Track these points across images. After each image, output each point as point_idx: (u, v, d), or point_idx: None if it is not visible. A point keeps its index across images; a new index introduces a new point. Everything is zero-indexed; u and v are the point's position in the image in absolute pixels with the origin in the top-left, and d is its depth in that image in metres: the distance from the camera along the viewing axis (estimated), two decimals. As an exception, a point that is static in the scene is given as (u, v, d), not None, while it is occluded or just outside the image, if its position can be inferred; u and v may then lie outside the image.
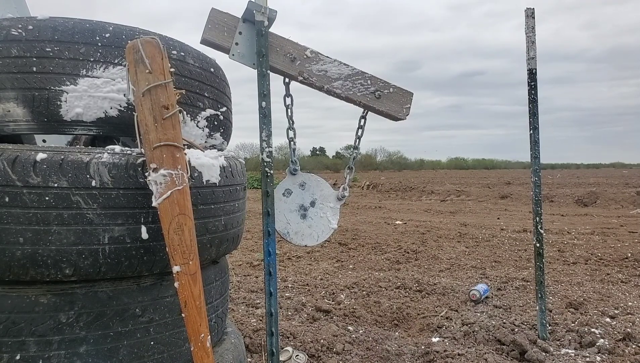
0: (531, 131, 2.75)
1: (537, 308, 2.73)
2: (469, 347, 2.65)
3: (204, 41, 1.76)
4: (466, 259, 5.16)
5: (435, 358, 2.50)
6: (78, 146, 1.76)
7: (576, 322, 2.94)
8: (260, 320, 2.97)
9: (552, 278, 4.22)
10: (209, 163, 1.45)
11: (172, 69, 1.34)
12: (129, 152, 1.31)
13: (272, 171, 1.77)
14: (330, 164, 52.75)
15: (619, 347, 2.58)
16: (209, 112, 1.65)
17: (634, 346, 2.62)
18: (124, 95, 1.43)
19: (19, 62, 1.36)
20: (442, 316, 3.22)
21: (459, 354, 2.52)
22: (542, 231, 2.75)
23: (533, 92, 2.74)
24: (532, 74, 2.72)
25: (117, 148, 1.32)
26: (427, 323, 3.10)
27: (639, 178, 21.97)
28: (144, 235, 1.29)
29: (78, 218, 1.21)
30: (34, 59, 1.36)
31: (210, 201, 1.46)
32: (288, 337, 2.67)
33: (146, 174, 1.26)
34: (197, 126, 1.62)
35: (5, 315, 1.21)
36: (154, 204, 1.24)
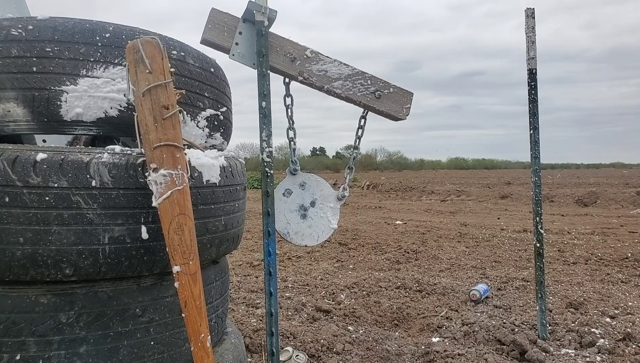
0: (531, 131, 2.75)
1: (537, 308, 2.73)
2: (469, 347, 2.65)
3: (204, 41, 1.76)
4: (466, 259, 5.16)
5: (435, 358, 2.50)
6: (78, 146, 1.76)
7: (576, 322, 2.94)
8: (260, 320, 2.97)
9: (552, 278, 4.22)
10: (209, 163, 1.45)
11: (172, 69, 1.34)
12: (129, 152, 1.31)
13: (272, 171, 1.77)
14: (330, 164, 52.75)
15: (619, 347, 2.58)
16: (209, 112, 1.65)
17: (634, 346, 2.62)
18: (124, 95, 1.43)
19: (19, 62, 1.36)
20: (442, 316, 3.22)
21: (459, 354, 2.52)
22: (542, 231, 2.75)
23: (533, 92, 2.74)
24: (532, 74, 2.72)
25: (117, 148, 1.32)
26: (427, 323, 3.10)
27: (639, 178, 21.97)
28: (144, 235, 1.29)
29: (78, 218, 1.21)
30: (34, 59, 1.36)
31: (210, 201, 1.46)
32: (288, 337, 2.67)
33: (146, 174, 1.26)
34: (197, 126, 1.62)
35: (5, 315, 1.21)
36: (154, 204, 1.24)
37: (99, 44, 1.41)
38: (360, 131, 1.97)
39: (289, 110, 1.89)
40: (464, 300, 3.53)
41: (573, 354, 2.51)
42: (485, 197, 14.47)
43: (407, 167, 65.58)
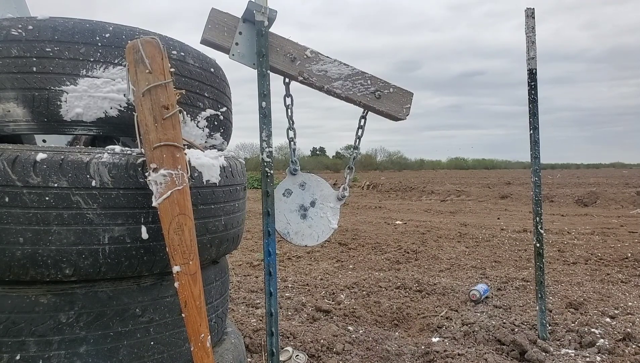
0: (531, 131, 2.75)
1: (537, 308, 2.73)
2: (469, 347, 2.65)
3: (204, 41, 1.76)
4: (466, 259, 5.16)
5: (435, 358, 2.50)
6: (78, 146, 1.76)
7: (576, 322, 2.94)
8: (260, 320, 2.97)
9: (552, 278, 4.22)
10: (209, 163, 1.45)
11: (172, 69, 1.34)
12: (129, 152, 1.31)
13: (272, 171, 1.77)
14: (330, 164, 52.75)
15: (619, 347, 2.58)
16: (209, 112, 1.65)
17: (634, 346, 2.62)
18: (124, 95, 1.43)
19: (19, 62, 1.36)
20: (442, 316, 3.22)
21: (459, 354, 2.52)
22: (542, 231, 2.75)
23: (533, 92, 2.74)
24: (532, 74, 2.72)
25: (117, 148, 1.32)
26: (427, 323, 3.10)
27: (639, 178, 21.97)
28: (144, 235, 1.29)
29: (78, 218, 1.21)
30: (34, 59, 1.36)
31: (210, 201, 1.46)
32: (288, 337, 2.67)
33: (146, 174, 1.26)
34: (197, 126, 1.62)
35: (5, 315, 1.21)
36: (154, 204, 1.24)
37: (99, 44, 1.41)
38: (360, 131, 1.97)
39: (289, 110, 1.89)
40: (464, 300, 3.53)
41: (573, 354, 2.51)
42: (485, 197, 14.47)
43: (407, 167, 65.58)
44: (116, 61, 1.43)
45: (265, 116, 1.75)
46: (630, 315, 3.12)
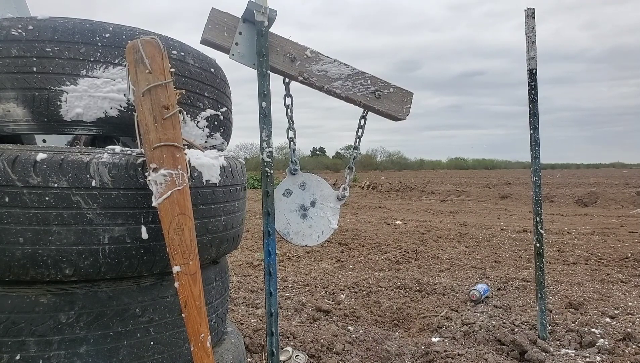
0: (531, 131, 2.75)
1: (537, 308, 2.73)
2: (469, 347, 2.65)
3: (204, 41, 1.76)
4: (466, 259, 5.16)
5: (435, 358, 2.50)
6: (78, 146, 1.76)
7: (576, 322, 2.94)
8: (260, 320, 2.97)
9: (552, 278, 4.22)
10: (209, 163, 1.45)
11: (172, 69, 1.34)
12: (129, 152, 1.31)
13: (272, 171, 1.77)
14: (330, 164, 52.76)
15: (619, 347, 2.58)
16: (209, 112, 1.65)
17: (634, 346, 2.62)
18: (124, 95, 1.43)
19: (19, 62, 1.36)
20: (442, 316, 3.22)
21: (459, 354, 2.52)
22: (542, 231, 2.75)
23: (533, 92, 2.74)
24: (532, 74, 2.72)
25: (117, 148, 1.32)
26: (427, 323, 3.10)
27: (639, 178, 21.97)
28: (144, 235, 1.29)
29: (78, 218, 1.21)
30: (34, 59, 1.36)
31: (210, 201, 1.46)
32: (288, 337, 2.67)
33: (146, 174, 1.26)
34: (197, 126, 1.62)
35: (5, 315, 1.21)
36: (154, 204, 1.24)
37: (99, 44, 1.41)
38: (360, 131, 1.97)
39: (289, 110, 1.89)
40: (464, 300, 3.53)
41: (573, 354, 2.51)
42: (485, 197, 14.47)
43: (407, 167, 65.59)
44: (116, 61, 1.43)
45: (265, 116, 1.75)
46: (630, 315, 3.12)
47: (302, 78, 1.82)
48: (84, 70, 1.39)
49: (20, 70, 1.35)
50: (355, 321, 3.12)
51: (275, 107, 1.79)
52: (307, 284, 4.01)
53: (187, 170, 1.31)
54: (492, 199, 14.05)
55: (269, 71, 1.77)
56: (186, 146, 1.41)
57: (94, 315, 1.27)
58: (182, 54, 1.57)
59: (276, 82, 1.84)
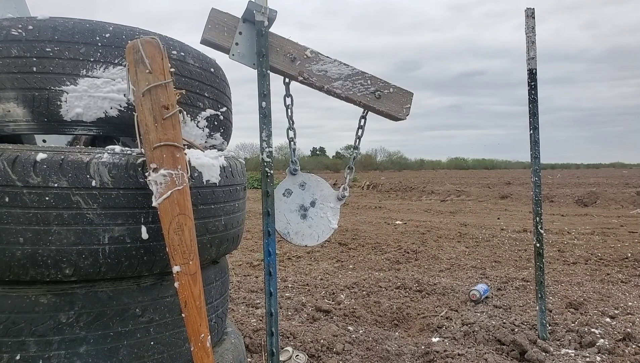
0: (531, 131, 2.75)
1: (537, 308, 2.73)
2: (469, 347, 2.65)
3: (204, 41, 1.76)
4: (466, 259, 5.16)
5: (435, 358, 2.50)
6: (78, 146, 1.76)
7: (576, 322, 2.94)
8: (260, 320, 2.97)
9: (552, 278, 4.22)
10: (209, 163, 1.45)
11: (172, 69, 1.34)
12: (129, 152, 1.31)
13: (272, 171, 1.77)
14: (330, 164, 52.76)
15: (619, 347, 2.58)
16: (209, 112, 1.65)
17: (634, 346, 2.62)
18: (124, 95, 1.43)
19: (19, 62, 1.36)
20: (442, 316, 3.22)
21: (459, 354, 2.52)
22: (542, 231, 2.75)
23: (533, 92, 2.74)
24: (532, 74, 2.72)
25: (117, 148, 1.32)
26: (427, 323, 3.10)
27: (639, 178, 21.97)
28: (144, 235, 1.29)
29: (78, 218, 1.21)
30: (34, 59, 1.36)
31: (210, 201, 1.46)
32: (288, 337, 2.67)
33: (146, 174, 1.26)
34: (197, 126, 1.62)
35: (5, 315, 1.21)
36: (154, 204, 1.24)
37: (99, 44, 1.41)
38: (360, 131, 1.97)
39: (289, 110, 1.89)
40: (464, 300, 3.53)
41: (573, 354, 2.51)
42: (485, 197, 14.47)
43: (407, 167, 65.60)
44: (116, 61, 1.43)
45: (265, 116, 1.75)
46: (630, 315, 3.12)
47: (302, 78, 1.82)
48: (84, 70, 1.39)
49: (20, 70, 1.35)
50: (355, 321, 3.12)
51: (275, 107, 1.79)
52: (307, 284, 4.01)
53: (187, 170, 1.31)
54: (492, 199, 14.05)
55: (269, 71, 1.77)
56: (186, 146, 1.41)
57: (94, 315, 1.27)
58: (182, 54, 1.57)
59: (276, 82, 1.84)
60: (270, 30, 1.79)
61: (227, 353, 1.64)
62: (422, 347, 2.64)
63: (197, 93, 1.60)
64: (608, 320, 3.00)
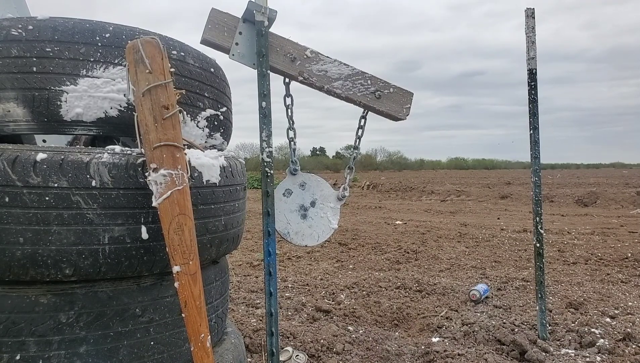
0: (531, 131, 2.75)
1: (537, 308, 2.73)
2: (469, 347, 2.65)
3: (204, 41, 1.76)
4: (466, 259, 5.16)
5: (435, 358, 2.50)
6: (78, 146, 1.76)
7: (576, 322, 2.94)
8: (260, 320, 2.97)
9: (552, 278, 4.22)
10: (209, 163, 1.45)
11: (172, 69, 1.34)
12: (129, 152, 1.31)
13: (272, 171, 1.77)
14: (330, 164, 52.77)
15: (619, 347, 2.58)
16: (209, 112, 1.65)
17: (634, 346, 2.62)
18: (124, 95, 1.43)
19: (19, 62, 1.36)
20: (442, 316, 3.22)
21: (459, 354, 2.52)
22: (542, 231, 2.75)
23: (533, 92, 2.74)
24: (532, 74, 2.72)
25: (117, 148, 1.32)
26: (427, 323, 3.10)
27: (639, 178, 21.97)
28: (144, 235, 1.29)
29: (78, 218, 1.21)
30: (34, 59, 1.36)
31: (210, 201, 1.46)
32: (288, 337, 2.67)
33: (146, 174, 1.26)
34: (197, 126, 1.62)
35: (5, 315, 1.21)
36: (154, 204, 1.24)
37: (99, 44, 1.41)
38: (360, 131, 1.97)
39: (289, 110, 1.89)
40: (464, 300, 3.53)
41: (573, 354, 2.51)
42: (485, 197, 14.47)
43: (407, 167, 65.61)
44: (116, 61, 1.43)
45: (265, 116, 1.75)
46: (630, 315, 3.12)
47: (302, 78, 1.82)
48: (84, 70, 1.39)
49: (20, 70, 1.35)
50: (355, 321, 3.12)
51: (275, 107, 1.79)
52: (307, 284, 4.01)
53: (187, 170, 1.31)
54: (492, 199, 14.05)
55: (269, 71, 1.77)
56: (186, 146, 1.41)
57: (94, 315, 1.27)
58: (182, 54, 1.57)
59: (276, 82, 1.84)
60: (270, 30, 1.79)
61: (227, 353, 1.64)
62: (422, 347, 2.64)
63: (197, 93, 1.60)
64: (608, 320, 3.00)
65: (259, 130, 1.77)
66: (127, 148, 1.35)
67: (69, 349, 1.25)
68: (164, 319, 1.40)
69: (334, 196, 1.99)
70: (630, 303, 3.39)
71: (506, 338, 2.67)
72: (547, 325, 2.76)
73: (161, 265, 1.35)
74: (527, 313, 3.15)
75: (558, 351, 2.56)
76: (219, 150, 1.64)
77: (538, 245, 2.75)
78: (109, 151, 1.28)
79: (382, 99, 1.89)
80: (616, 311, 3.19)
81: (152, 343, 1.37)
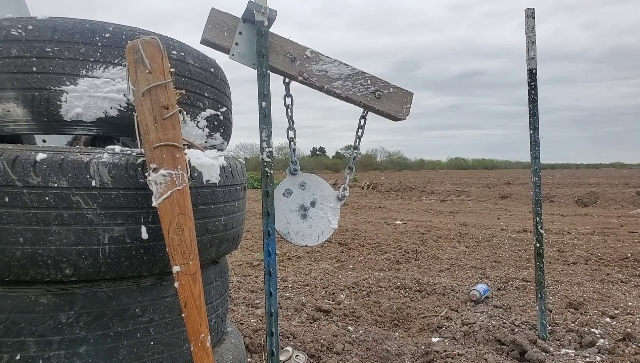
0: (531, 131, 2.75)
1: (537, 308, 2.73)
2: (469, 347, 2.65)
3: (204, 41, 1.76)
4: (466, 259, 5.16)
5: (435, 358, 2.50)
6: (78, 146, 1.76)
7: (576, 322, 2.94)
8: (260, 320, 2.97)
9: (552, 278, 4.22)
10: (209, 163, 1.45)
11: (172, 69, 1.34)
12: (129, 152, 1.31)
13: (272, 171, 1.77)
14: (330, 164, 52.78)
15: (619, 347, 2.58)
16: (209, 112, 1.65)
17: (634, 346, 2.62)
18: (124, 95, 1.43)
19: (19, 62, 1.36)
20: (442, 316, 3.22)
21: (459, 354, 2.52)
22: (542, 231, 2.75)
23: (533, 92, 2.74)
24: (532, 74, 2.72)
25: (117, 148, 1.32)
26: (427, 323, 3.10)
27: (639, 178, 21.97)
28: (144, 235, 1.29)
29: (78, 218, 1.21)
30: (34, 59, 1.36)
31: (210, 201, 1.46)
32: (288, 337, 2.67)
33: (146, 174, 1.26)
34: (197, 126, 1.61)
35: (5, 315, 1.21)
36: (154, 204, 1.24)
37: (99, 44, 1.41)
38: (360, 131, 1.97)
39: (289, 110, 1.89)
40: (464, 300, 3.53)
41: (573, 354, 2.51)
42: (485, 197, 14.47)
43: (407, 167, 65.62)
44: (116, 61, 1.43)
45: (265, 116, 1.75)
46: (630, 315, 3.12)
47: (302, 78, 1.82)
48: (84, 70, 1.39)
49: (20, 70, 1.35)
50: (355, 321, 3.12)
51: (275, 107, 1.79)
52: (307, 284, 4.01)
53: (187, 170, 1.31)
54: (492, 199, 14.05)
55: (269, 71, 1.77)
56: (186, 146, 1.41)
57: (94, 315, 1.27)
58: (182, 54, 1.57)
59: (276, 82, 1.84)
60: (270, 30, 1.79)
61: (227, 353, 1.64)
62: (422, 347, 2.64)
63: (197, 93, 1.60)
64: (608, 320, 3.00)
65: (259, 130, 1.77)
66: (127, 148, 1.35)
67: (69, 349, 1.25)
68: (164, 319, 1.39)
69: (334, 196, 1.99)
70: (630, 303, 3.39)
71: (506, 338, 2.67)
72: (547, 325, 2.76)
73: (161, 265, 1.35)
74: (527, 313, 3.15)
75: (558, 351, 2.56)
76: (219, 150, 1.64)
77: (538, 245, 2.75)
78: (109, 151, 1.28)
79: (382, 99, 1.89)
80: (616, 311, 3.19)
81: (152, 343, 1.37)
